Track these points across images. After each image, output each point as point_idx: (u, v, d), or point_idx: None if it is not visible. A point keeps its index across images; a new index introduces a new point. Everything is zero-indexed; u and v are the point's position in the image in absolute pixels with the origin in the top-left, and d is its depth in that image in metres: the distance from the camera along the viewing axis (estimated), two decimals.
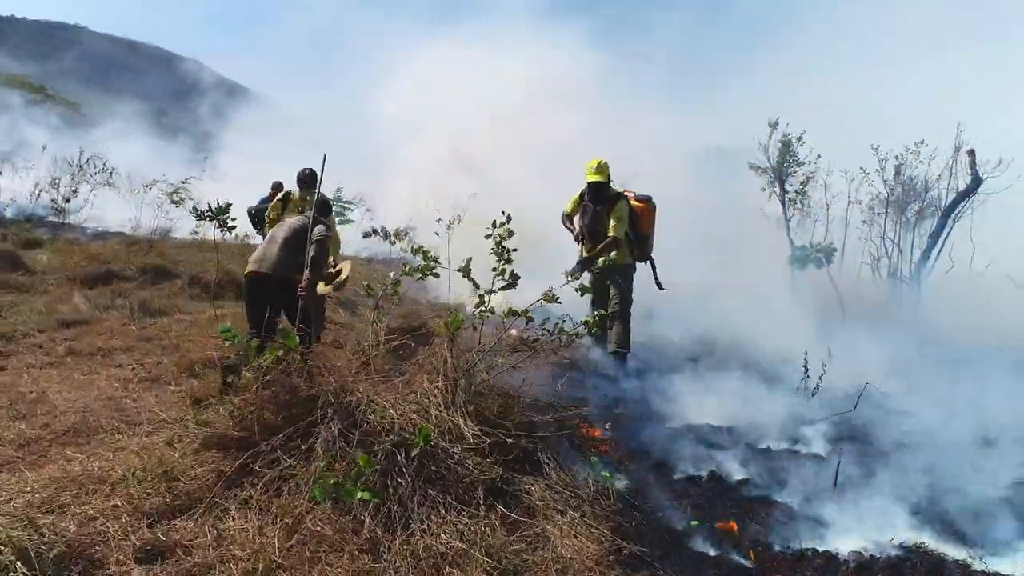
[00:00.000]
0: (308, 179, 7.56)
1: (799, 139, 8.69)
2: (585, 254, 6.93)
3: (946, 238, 10.75)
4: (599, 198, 6.75)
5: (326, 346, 5.17)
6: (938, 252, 10.48)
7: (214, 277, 10.45)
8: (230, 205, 5.34)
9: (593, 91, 20.07)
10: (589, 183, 6.74)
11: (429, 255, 4.17)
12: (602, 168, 6.79)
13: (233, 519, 2.96)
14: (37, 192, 15.89)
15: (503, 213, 4.56)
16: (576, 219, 7.11)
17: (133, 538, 2.86)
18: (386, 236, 11.93)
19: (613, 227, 6.68)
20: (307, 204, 7.05)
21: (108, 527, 3.00)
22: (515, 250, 4.51)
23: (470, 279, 4.05)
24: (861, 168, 10.72)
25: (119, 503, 3.22)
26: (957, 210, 10.78)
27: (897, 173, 10.39)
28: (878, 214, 10.51)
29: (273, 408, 3.35)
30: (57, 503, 3.14)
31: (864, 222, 10.59)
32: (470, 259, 4.12)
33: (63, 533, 2.65)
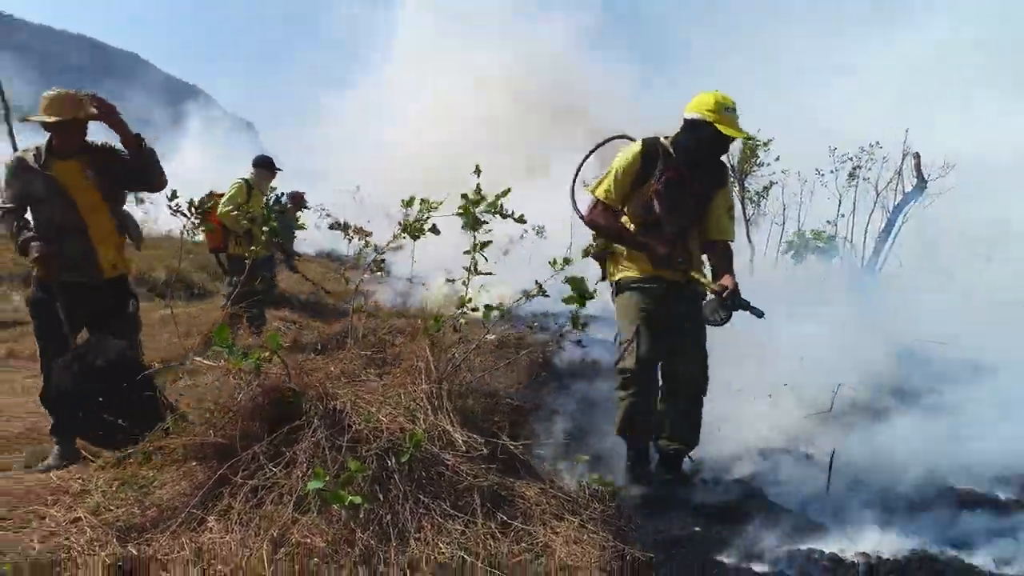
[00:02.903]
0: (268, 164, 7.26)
1: (765, 145, 8.79)
2: (669, 271, 3.85)
3: (895, 238, 11.14)
4: (709, 166, 3.89)
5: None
6: (887, 253, 10.82)
7: (166, 276, 10.11)
8: (211, 201, 4.99)
9: (552, 77, 20.25)
10: (717, 134, 3.61)
11: (428, 201, 3.77)
12: (734, 112, 3.68)
13: (212, 531, 2.78)
14: None
15: (475, 168, 3.88)
16: (636, 205, 3.91)
17: (103, 554, 2.66)
18: (345, 230, 11.67)
19: (728, 227, 3.98)
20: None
21: (72, 542, 2.79)
22: (487, 223, 3.87)
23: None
24: (817, 170, 11.01)
25: (82, 516, 3.00)
26: (904, 211, 11.19)
27: (851, 175, 10.70)
28: (842, 215, 10.82)
29: (251, 414, 3.17)
30: (12, 518, 2.92)
31: (829, 222, 10.87)
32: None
33: (25, 551, 2.43)
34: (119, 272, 4.19)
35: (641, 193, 3.85)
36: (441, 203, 3.83)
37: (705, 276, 3.87)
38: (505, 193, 3.84)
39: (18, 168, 3.91)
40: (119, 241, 4.20)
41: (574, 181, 4.16)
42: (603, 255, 4.18)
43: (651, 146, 3.83)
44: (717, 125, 3.57)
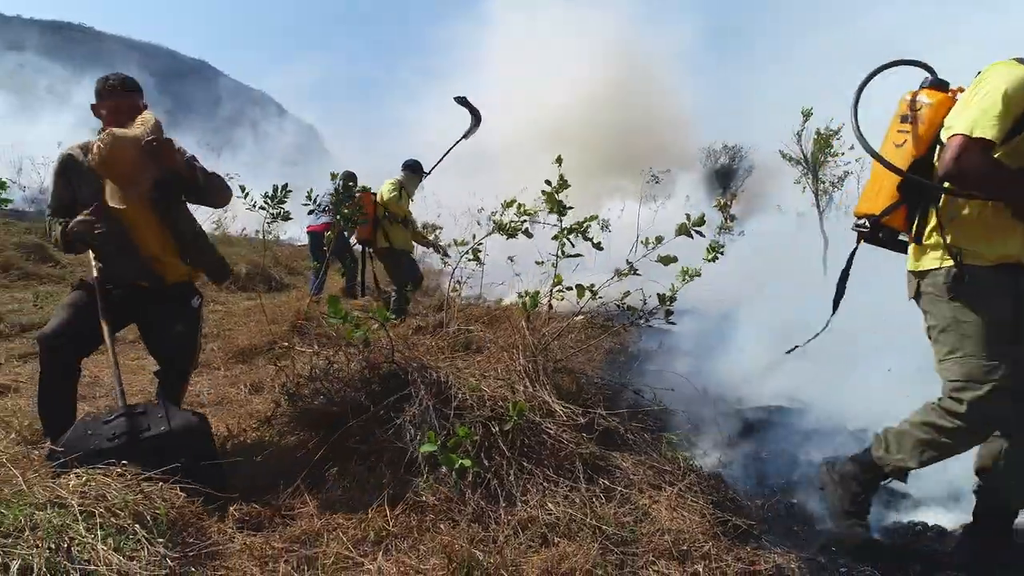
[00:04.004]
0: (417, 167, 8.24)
1: (837, 133, 8.60)
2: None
3: None
4: None
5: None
6: None
7: (245, 269, 10.56)
8: (288, 190, 4.87)
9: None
10: None
11: (523, 208, 4.01)
12: None
13: (331, 491, 2.97)
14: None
15: (557, 160, 4.03)
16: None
17: (231, 508, 2.86)
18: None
19: None
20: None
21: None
22: (572, 207, 4.09)
23: None
24: None
25: None
26: None
27: None
28: None
29: (358, 385, 3.36)
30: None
31: None
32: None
33: (172, 500, 2.65)
34: (183, 279, 3.65)
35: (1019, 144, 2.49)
36: (536, 211, 4.02)
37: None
38: (593, 218, 4.05)
39: (65, 167, 3.40)
40: (177, 252, 3.59)
41: (857, 97, 2.90)
42: (882, 227, 2.91)
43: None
44: None
